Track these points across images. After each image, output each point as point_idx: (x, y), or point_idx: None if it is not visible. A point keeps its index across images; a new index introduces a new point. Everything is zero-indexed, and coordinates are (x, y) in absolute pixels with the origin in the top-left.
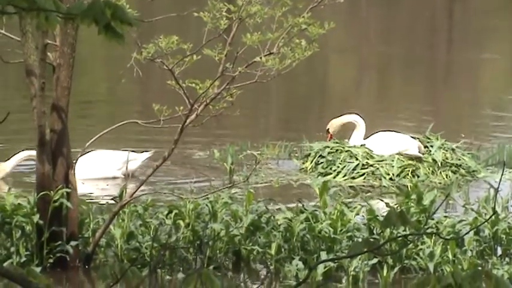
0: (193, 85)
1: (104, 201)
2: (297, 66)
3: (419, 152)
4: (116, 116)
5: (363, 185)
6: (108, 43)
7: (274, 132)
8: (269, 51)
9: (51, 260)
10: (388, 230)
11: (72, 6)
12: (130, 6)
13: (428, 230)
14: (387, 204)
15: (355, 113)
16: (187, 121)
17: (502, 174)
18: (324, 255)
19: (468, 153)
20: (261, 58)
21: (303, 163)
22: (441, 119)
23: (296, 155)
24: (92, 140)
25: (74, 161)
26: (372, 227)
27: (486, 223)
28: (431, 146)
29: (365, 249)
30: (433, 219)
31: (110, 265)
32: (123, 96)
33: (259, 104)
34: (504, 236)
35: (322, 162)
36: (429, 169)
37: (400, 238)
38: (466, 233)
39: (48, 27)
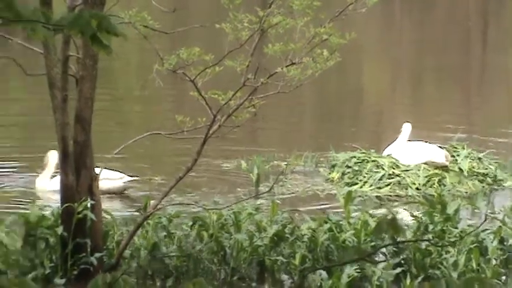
0: (216, 96)
1: (128, 213)
2: (328, 75)
3: (446, 161)
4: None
5: (389, 195)
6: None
7: (302, 143)
8: (291, 62)
9: (75, 272)
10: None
11: (59, 18)
12: (163, 17)
13: (452, 239)
14: (412, 214)
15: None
16: (210, 132)
17: None
18: (348, 265)
19: (495, 162)
20: (282, 68)
21: (330, 173)
22: (472, 128)
23: (323, 165)
24: (117, 150)
25: (97, 173)
26: (396, 237)
27: (510, 232)
28: (458, 155)
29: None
30: (457, 228)
31: (102, 275)
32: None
33: (287, 114)
34: None
35: (348, 172)
36: (456, 178)
37: (390, 245)
38: (462, 237)
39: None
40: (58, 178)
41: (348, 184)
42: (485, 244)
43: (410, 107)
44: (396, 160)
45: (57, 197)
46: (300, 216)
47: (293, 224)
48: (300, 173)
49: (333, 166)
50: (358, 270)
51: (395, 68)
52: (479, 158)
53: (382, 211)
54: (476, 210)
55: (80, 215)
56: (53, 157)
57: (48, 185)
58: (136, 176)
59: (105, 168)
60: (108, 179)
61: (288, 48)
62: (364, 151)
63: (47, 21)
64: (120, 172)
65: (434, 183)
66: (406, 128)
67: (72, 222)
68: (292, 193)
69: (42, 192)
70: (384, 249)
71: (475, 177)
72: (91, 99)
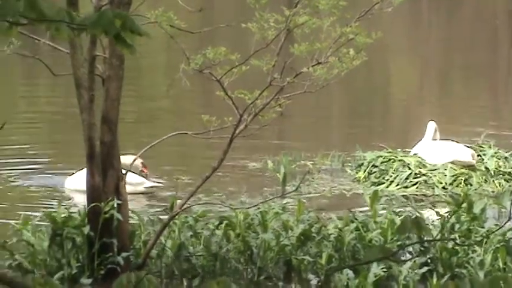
0: (242, 95)
1: (154, 213)
2: (355, 74)
3: (472, 160)
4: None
5: (416, 194)
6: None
7: (328, 142)
8: (317, 61)
9: (102, 272)
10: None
11: (84, 17)
12: (190, 17)
13: (478, 238)
14: (438, 213)
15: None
16: (237, 132)
17: None
18: (374, 264)
19: None
20: (308, 68)
21: (356, 173)
22: (499, 127)
23: (349, 164)
24: (142, 150)
25: (124, 173)
26: (423, 236)
27: None
28: (484, 154)
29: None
30: (483, 227)
31: (127, 275)
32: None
33: (313, 114)
34: None
35: (375, 172)
36: (482, 178)
37: (415, 244)
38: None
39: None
40: (72, 177)
41: (374, 183)
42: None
43: (438, 106)
44: (423, 159)
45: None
46: (326, 216)
47: (319, 224)
48: (326, 172)
49: (360, 165)
50: (384, 270)
51: (422, 66)
52: (506, 157)
53: (408, 210)
54: (502, 210)
55: (107, 215)
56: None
57: (78, 183)
58: (159, 182)
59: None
60: (129, 183)
61: (314, 47)
62: (390, 150)
63: (71, 21)
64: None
65: (460, 183)
66: (431, 127)
67: (98, 222)
68: (319, 192)
69: (70, 191)
70: (410, 249)
71: (501, 176)
72: (117, 100)
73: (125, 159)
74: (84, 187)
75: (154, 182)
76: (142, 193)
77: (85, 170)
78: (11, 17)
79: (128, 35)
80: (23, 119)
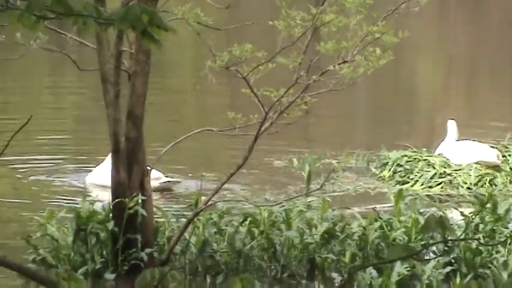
0: (268, 93)
1: (179, 209)
2: (381, 73)
3: (497, 160)
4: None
5: (440, 194)
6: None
7: (354, 141)
8: (343, 60)
9: (125, 267)
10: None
11: (111, 12)
12: (217, 14)
13: (502, 239)
14: (462, 213)
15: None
16: (262, 129)
17: None
18: (398, 264)
19: None
20: (335, 66)
21: (381, 172)
22: None
23: (374, 163)
24: (168, 147)
25: (149, 168)
26: (447, 235)
27: None
28: (510, 155)
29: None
30: (507, 228)
31: (150, 270)
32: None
33: (339, 112)
34: None
35: (399, 171)
36: (507, 178)
37: (439, 243)
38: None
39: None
40: (92, 173)
41: (399, 183)
42: None
43: (463, 105)
44: (447, 159)
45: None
46: (350, 214)
47: (343, 222)
48: (351, 171)
49: (384, 164)
50: (408, 269)
51: (448, 65)
52: None
53: (432, 210)
54: None
55: (131, 211)
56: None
57: (98, 178)
58: (177, 180)
59: (148, 166)
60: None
61: (340, 46)
62: (415, 150)
63: (98, 15)
64: (159, 171)
65: (485, 183)
66: (451, 125)
67: (123, 217)
68: (343, 191)
69: (91, 187)
70: (434, 248)
71: None
72: (143, 95)
73: None
74: (104, 182)
75: (170, 177)
76: (162, 189)
77: (102, 165)
78: (38, 11)
79: (155, 30)
80: (47, 113)
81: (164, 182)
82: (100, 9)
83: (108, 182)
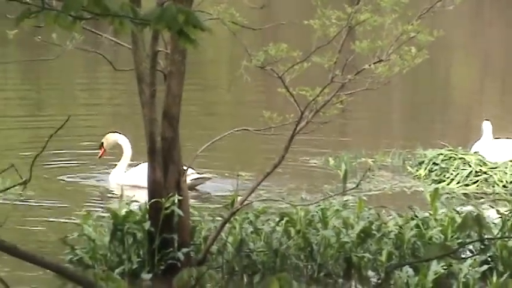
0: (304, 92)
1: (215, 208)
2: (417, 71)
3: None
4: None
5: (476, 192)
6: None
7: (389, 139)
8: (378, 59)
9: (162, 267)
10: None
11: (147, 12)
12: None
13: None
14: (498, 211)
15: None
16: (298, 128)
17: None
18: (434, 262)
19: None
20: (370, 65)
21: (417, 170)
22: None
23: (410, 162)
24: (204, 146)
25: (185, 168)
26: (483, 234)
27: None
28: None
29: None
30: None
31: (188, 270)
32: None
33: (375, 111)
34: None
35: (435, 170)
36: None
37: (476, 242)
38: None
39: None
40: (133, 171)
41: (435, 181)
42: None
43: (498, 104)
44: (483, 157)
45: (134, 191)
46: (386, 213)
47: (380, 221)
48: (387, 169)
49: (420, 163)
50: (444, 267)
51: (484, 64)
52: None
53: (468, 208)
54: None
55: (168, 211)
56: (125, 143)
57: (123, 178)
58: (208, 176)
59: (185, 165)
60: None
61: (375, 45)
62: (451, 148)
63: (134, 15)
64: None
65: None
66: (486, 127)
67: (159, 217)
68: (379, 190)
69: (117, 187)
70: (470, 247)
71: None
72: (179, 95)
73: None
74: (128, 181)
75: (201, 174)
76: (194, 185)
77: (121, 163)
78: (74, 11)
79: (191, 30)
80: (82, 112)
81: (195, 179)
82: (136, 9)
83: (131, 181)
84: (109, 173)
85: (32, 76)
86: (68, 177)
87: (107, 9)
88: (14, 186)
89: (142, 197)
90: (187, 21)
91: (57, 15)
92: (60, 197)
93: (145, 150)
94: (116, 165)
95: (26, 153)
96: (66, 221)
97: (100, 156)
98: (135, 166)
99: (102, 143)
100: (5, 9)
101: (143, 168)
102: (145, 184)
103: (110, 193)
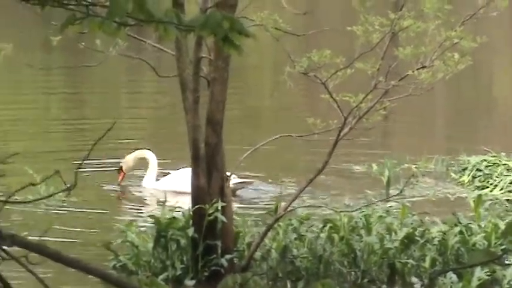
0: (347, 98)
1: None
2: (460, 77)
3: None
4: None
5: None
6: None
7: (433, 146)
8: (422, 65)
9: (206, 273)
10: None
11: (191, 19)
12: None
13: None
14: None
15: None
16: (341, 134)
17: None
18: (478, 268)
19: None
20: (413, 71)
21: (460, 177)
22: None
23: (453, 168)
24: (248, 152)
25: (228, 175)
26: None
27: None
28: None
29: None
30: None
31: (232, 276)
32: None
33: (418, 117)
34: None
35: (479, 176)
36: None
37: None
38: None
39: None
40: (173, 176)
41: (478, 187)
42: None
43: None
44: None
45: (175, 197)
46: (430, 219)
47: (423, 227)
48: (430, 175)
49: (464, 169)
50: (488, 274)
51: None
52: None
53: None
54: None
55: (211, 217)
56: (152, 157)
57: (156, 185)
58: (249, 181)
59: (228, 172)
60: None
61: (418, 51)
62: (494, 154)
63: (179, 22)
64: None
65: None
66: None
67: (203, 224)
68: (423, 196)
69: (151, 193)
70: None
71: None
72: (222, 102)
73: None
74: (167, 187)
75: (242, 179)
76: (235, 190)
77: (149, 172)
78: (119, 17)
79: (236, 36)
80: (125, 118)
81: (237, 183)
82: (181, 15)
83: (170, 187)
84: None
85: (76, 81)
86: (110, 183)
87: (151, 15)
88: (59, 192)
89: (184, 202)
90: (232, 28)
91: (102, 21)
92: (102, 203)
93: (184, 156)
94: (146, 173)
95: (69, 158)
96: (109, 227)
97: (120, 182)
98: (173, 172)
99: (121, 166)
100: (49, 15)
101: (183, 173)
102: (185, 189)
103: (150, 199)
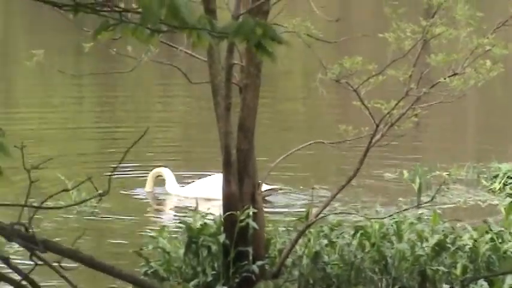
0: (379, 105)
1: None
2: (492, 84)
3: None
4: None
5: None
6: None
7: (464, 153)
8: (453, 72)
9: (237, 280)
10: None
11: (225, 25)
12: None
13: None
14: None
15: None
16: (373, 141)
17: None
18: (509, 276)
19: None
20: (445, 79)
21: (491, 184)
22: None
23: (484, 175)
24: (280, 159)
25: (258, 182)
26: None
27: None
28: None
29: None
30: None
31: (264, 283)
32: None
33: (450, 124)
34: None
35: (510, 183)
36: None
37: None
38: None
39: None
40: (203, 182)
41: (509, 195)
42: None
43: None
44: None
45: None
46: (461, 226)
47: (454, 234)
48: (461, 183)
49: (495, 177)
50: None
51: None
52: None
53: None
54: None
55: (243, 223)
56: (167, 172)
57: (181, 191)
58: (278, 187)
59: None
60: None
61: (450, 58)
62: None
63: (212, 28)
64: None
65: None
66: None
67: (234, 230)
68: (454, 203)
69: (176, 198)
70: None
71: None
72: (254, 108)
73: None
74: (197, 194)
75: (271, 186)
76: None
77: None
78: (152, 24)
79: (269, 43)
80: (157, 125)
81: (265, 190)
82: (213, 22)
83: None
84: (181, 186)
85: (107, 87)
86: (140, 190)
87: (184, 22)
88: (91, 198)
89: (214, 208)
90: (265, 34)
91: (135, 28)
92: (132, 209)
93: (213, 162)
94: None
95: (100, 163)
96: (141, 233)
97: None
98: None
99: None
100: (81, 21)
101: (213, 180)
102: (214, 196)
103: (178, 205)
